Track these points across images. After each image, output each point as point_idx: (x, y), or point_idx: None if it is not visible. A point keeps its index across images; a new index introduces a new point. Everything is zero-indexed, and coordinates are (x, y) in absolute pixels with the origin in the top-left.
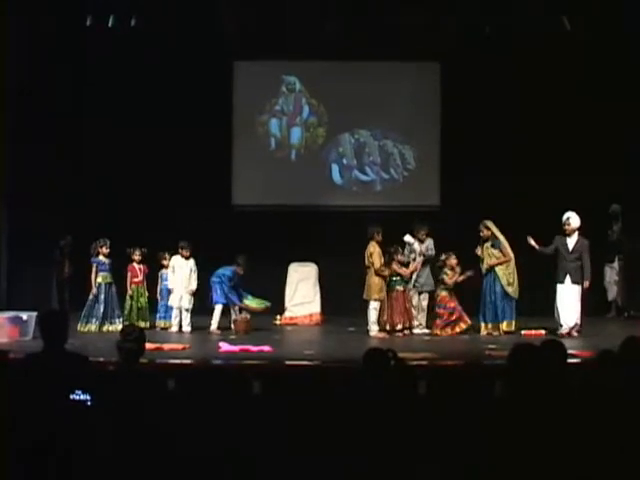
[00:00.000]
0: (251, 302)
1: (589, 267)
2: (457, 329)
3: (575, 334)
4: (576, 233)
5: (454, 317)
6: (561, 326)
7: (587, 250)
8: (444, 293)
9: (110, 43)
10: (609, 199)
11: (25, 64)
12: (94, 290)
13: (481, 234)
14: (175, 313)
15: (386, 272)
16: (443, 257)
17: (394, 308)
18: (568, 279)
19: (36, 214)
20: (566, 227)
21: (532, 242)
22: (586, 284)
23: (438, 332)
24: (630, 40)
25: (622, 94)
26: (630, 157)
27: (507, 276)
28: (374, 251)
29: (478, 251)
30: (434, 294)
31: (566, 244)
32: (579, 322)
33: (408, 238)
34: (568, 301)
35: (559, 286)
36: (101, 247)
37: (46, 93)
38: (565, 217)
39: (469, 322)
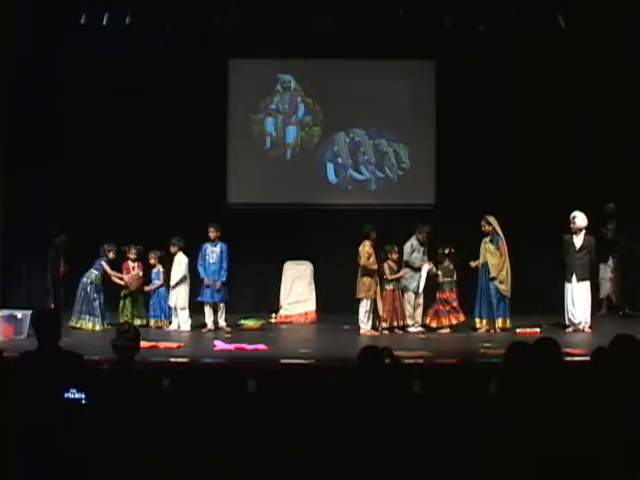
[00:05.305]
0: (248, 322)
1: (592, 265)
2: (451, 321)
3: (588, 330)
4: (583, 232)
5: (447, 308)
6: (568, 326)
7: (593, 248)
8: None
9: (105, 41)
10: (604, 198)
11: (21, 63)
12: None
13: (482, 229)
14: (174, 311)
15: (374, 266)
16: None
17: (382, 306)
18: (574, 277)
19: (31, 213)
20: (571, 226)
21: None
22: None
23: (427, 322)
24: (626, 37)
25: (618, 93)
26: (626, 157)
27: (500, 275)
28: (363, 250)
29: (472, 264)
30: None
31: (573, 243)
32: (589, 318)
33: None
34: (577, 298)
35: (567, 284)
36: (109, 252)
37: (41, 92)
38: (571, 216)
39: (461, 318)
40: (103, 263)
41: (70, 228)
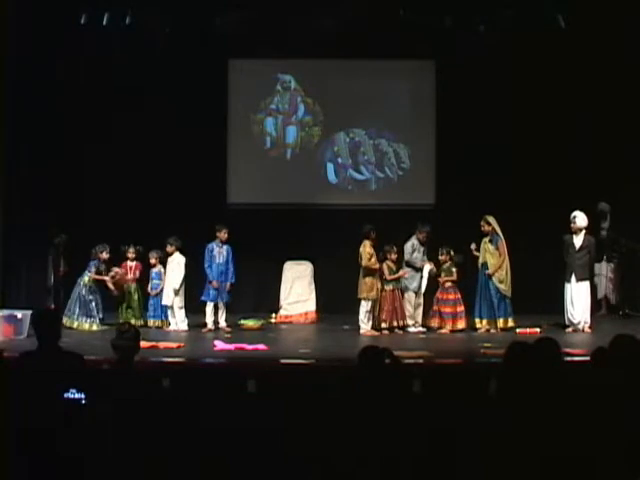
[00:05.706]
0: (248, 322)
1: (592, 266)
2: (455, 326)
3: (588, 330)
4: (583, 232)
5: (449, 311)
6: (568, 326)
7: (593, 249)
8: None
9: (105, 41)
10: (604, 198)
11: (21, 63)
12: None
13: (482, 229)
14: (170, 311)
15: (376, 266)
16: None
17: (382, 307)
18: (574, 277)
19: (31, 213)
20: (572, 226)
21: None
22: None
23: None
24: (626, 37)
25: (618, 93)
26: (626, 157)
27: (499, 274)
28: (363, 250)
29: (473, 246)
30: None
31: (573, 243)
32: (588, 318)
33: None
34: (576, 298)
35: (566, 284)
36: (101, 252)
37: (41, 92)
38: (572, 216)
39: (459, 327)
40: (93, 267)
41: (70, 228)
